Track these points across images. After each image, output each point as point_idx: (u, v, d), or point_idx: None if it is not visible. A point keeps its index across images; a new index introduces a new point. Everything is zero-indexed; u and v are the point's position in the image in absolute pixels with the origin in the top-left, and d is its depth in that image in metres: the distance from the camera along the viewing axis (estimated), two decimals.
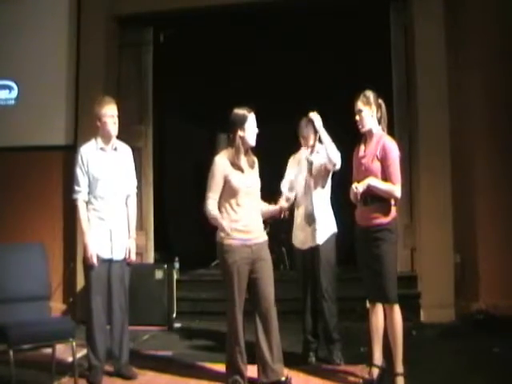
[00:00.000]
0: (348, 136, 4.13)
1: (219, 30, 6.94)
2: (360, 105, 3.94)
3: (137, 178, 4.56)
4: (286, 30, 7.00)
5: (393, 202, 3.87)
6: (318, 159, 4.46)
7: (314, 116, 4.41)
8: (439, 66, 5.98)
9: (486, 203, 5.85)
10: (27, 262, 4.18)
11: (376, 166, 3.86)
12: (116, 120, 4.31)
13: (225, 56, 7.42)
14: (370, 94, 3.96)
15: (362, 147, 4.00)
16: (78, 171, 4.27)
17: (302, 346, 4.58)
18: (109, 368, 4.33)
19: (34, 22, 6.65)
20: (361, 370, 4.13)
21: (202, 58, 7.44)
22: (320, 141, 4.45)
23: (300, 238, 4.53)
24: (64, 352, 4.34)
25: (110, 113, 4.27)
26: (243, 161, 3.93)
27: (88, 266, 4.21)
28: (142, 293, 5.74)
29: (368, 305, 4.05)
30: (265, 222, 4.15)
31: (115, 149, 4.36)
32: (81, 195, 4.26)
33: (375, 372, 3.93)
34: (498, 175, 5.84)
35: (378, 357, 3.96)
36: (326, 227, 4.45)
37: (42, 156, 6.61)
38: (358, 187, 3.80)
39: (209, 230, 4.02)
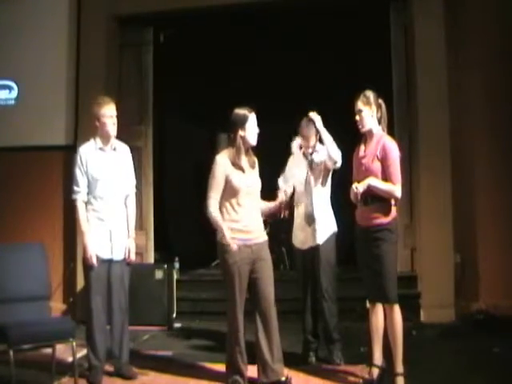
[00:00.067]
0: (348, 136, 4.13)
1: (219, 30, 6.94)
2: (360, 105, 3.94)
3: (137, 177, 4.56)
4: (286, 30, 7.00)
5: (393, 201, 3.87)
6: (318, 157, 4.47)
7: (314, 116, 4.41)
8: (439, 66, 5.97)
9: (486, 203, 5.85)
10: (27, 262, 4.18)
11: (376, 166, 3.86)
12: (115, 120, 4.31)
13: (225, 56, 7.42)
14: (370, 93, 3.95)
15: (362, 147, 4.00)
16: (77, 171, 4.27)
17: (301, 346, 4.57)
18: (109, 368, 4.33)
19: (34, 22, 6.64)
20: (361, 370, 4.13)
21: (201, 58, 7.44)
22: (320, 141, 4.45)
23: (300, 237, 4.53)
24: (64, 352, 4.34)
25: (109, 113, 4.27)
26: (244, 161, 3.94)
27: (88, 267, 4.20)
28: (142, 293, 5.74)
29: (368, 305, 4.05)
30: (265, 221, 4.15)
31: (114, 149, 4.36)
32: (80, 195, 4.25)
33: (375, 372, 3.93)
34: (498, 175, 5.83)
35: (377, 357, 3.95)
36: (326, 227, 4.45)
37: (41, 156, 6.61)
38: (359, 187, 3.80)
39: (209, 230, 4.02)
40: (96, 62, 6.57)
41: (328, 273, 4.42)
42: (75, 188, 4.27)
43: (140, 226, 6.48)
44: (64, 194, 6.33)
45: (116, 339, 4.29)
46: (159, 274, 6.02)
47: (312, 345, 4.51)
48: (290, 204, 4.44)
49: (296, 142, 4.57)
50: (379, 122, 3.97)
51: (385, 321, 3.93)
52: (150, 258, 6.76)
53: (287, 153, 4.65)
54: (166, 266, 6.10)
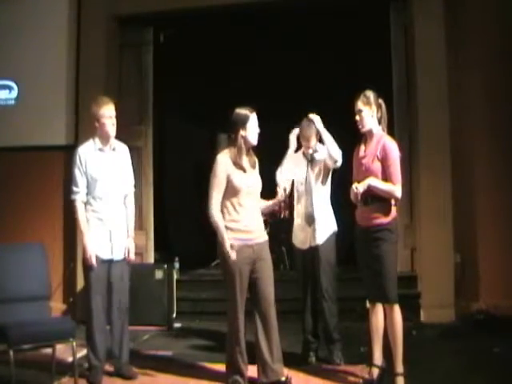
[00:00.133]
0: (348, 136, 4.13)
1: (219, 30, 6.94)
2: (360, 105, 3.94)
3: (137, 177, 4.56)
4: (286, 30, 7.00)
5: (393, 202, 3.87)
6: (318, 155, 4.47)
7: (314, 117, 4.41)
8: (439, 66, 5.97)
9: (486, 203, 5.85)
10: (27, 262, 4.19)
11: (376, 166, 3.86)
12: (114, 121, 4.30)
13: (225, 56, 7.42)
14: (370, 93, 3.95)
15: (362, 147, 4.00)
16: (76, 172, 4.26)
17: (301, 346, 4.57)
18: (109, 368, 4.33)
19: (34, 22, 6.64)
20: (361, 370, 4.13)
21: (201, 58, 7.44)
22: (321, 141, 4.45)
23: (300, 237, 4.53)
24: (64, 352, 4.34)
25: (108, 113, 4.26)
26: (245, 160, 3.94)
27: (88, 267, 4.20)
28: (142, 293, 5.74)
29: (368, 305, 4.05)
30: (265, 221, 4.15)
31: (113, 149, 4.35)
32: (79, 196, 4.25)
33: (375, 372, 3.93)
34: (498, 175, 5.83)
35: (377, 357, 3.95)
36: (326, 227, 4.45)
37: (42, 156, 6.60)
38: (359, 187, 3.80)
39: (209, 230, 4.01)
40: (96, 61, 6.57)
41: (328, 273, 4.42)
42: (74, 188, 4.27)
43: (140, 225, 6.49)
44: (64, 194, 6.32)
45: (116, 339, 4.29)
46: (159, 274, 6.02)
47: (312, 345, 4.51)
48: (290, 204, 4.43)
49: (294, 133, 4.55)
50: (379, 122, 3.97)
51: (385, 321, 3.92)
52: (150, 257, 6.76)
53: (286, 148, 4.64)
54: (166, 266, 6.10)
